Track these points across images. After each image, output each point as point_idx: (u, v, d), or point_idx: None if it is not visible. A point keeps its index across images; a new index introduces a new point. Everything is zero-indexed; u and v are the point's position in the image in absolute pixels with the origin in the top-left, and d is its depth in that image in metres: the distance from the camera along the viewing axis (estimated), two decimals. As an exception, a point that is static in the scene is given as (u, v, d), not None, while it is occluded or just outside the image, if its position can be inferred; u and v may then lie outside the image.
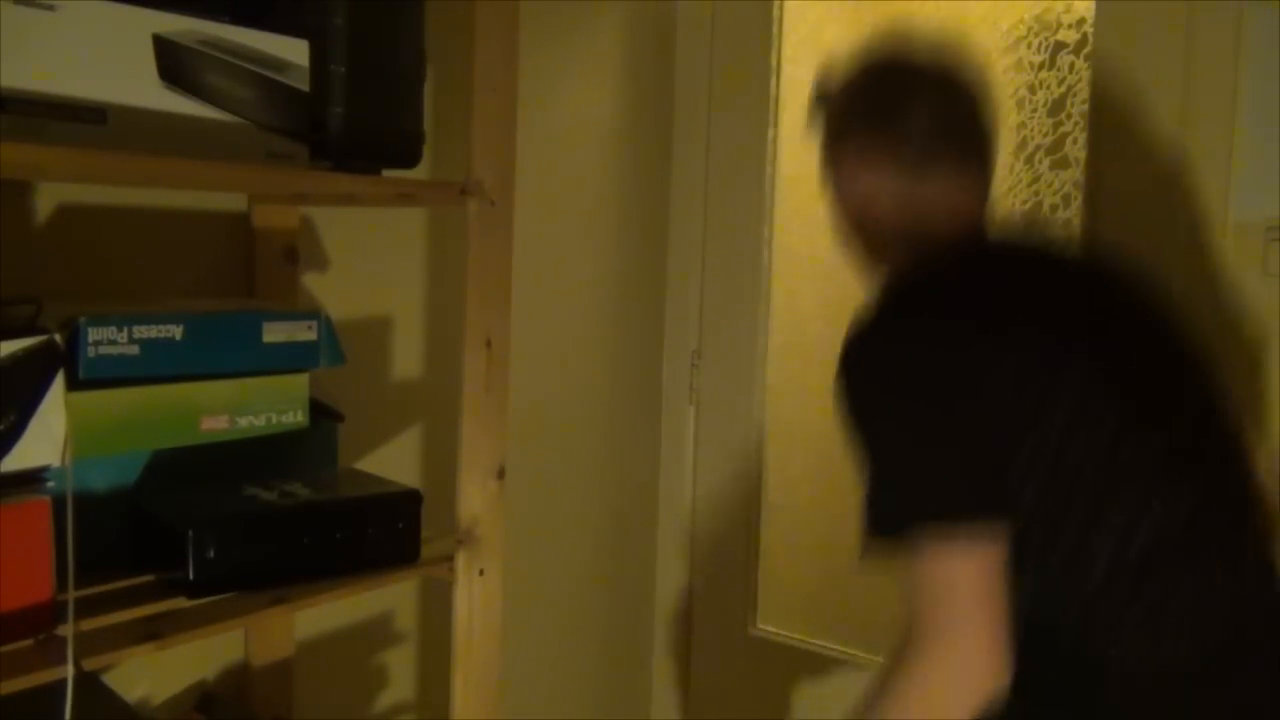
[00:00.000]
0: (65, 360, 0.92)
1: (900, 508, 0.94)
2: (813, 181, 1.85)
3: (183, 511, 1.00)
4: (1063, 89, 1.56)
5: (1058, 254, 1.10)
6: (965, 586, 0.91)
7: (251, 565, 1.01)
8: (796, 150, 1.86)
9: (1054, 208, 1.58)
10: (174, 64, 0.91)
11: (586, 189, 1.82)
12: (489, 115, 1.11)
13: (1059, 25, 1.56)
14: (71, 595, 0.88)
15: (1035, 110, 1.59)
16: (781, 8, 1.86)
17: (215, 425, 1.04)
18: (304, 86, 1.00)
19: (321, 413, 1.19)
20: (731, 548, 2.00)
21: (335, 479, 1.17)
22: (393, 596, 1.53)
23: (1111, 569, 0.92)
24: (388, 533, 1.10)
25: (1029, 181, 1.60)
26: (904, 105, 1.08)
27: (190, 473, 1.07)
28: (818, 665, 1.88)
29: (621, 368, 1.91)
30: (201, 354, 1.02)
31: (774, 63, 1.87)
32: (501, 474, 1.18)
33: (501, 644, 1.21)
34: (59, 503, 0.89)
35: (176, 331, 1.00)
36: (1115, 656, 0.92)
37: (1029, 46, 1.60)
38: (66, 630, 0.87)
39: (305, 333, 1.10)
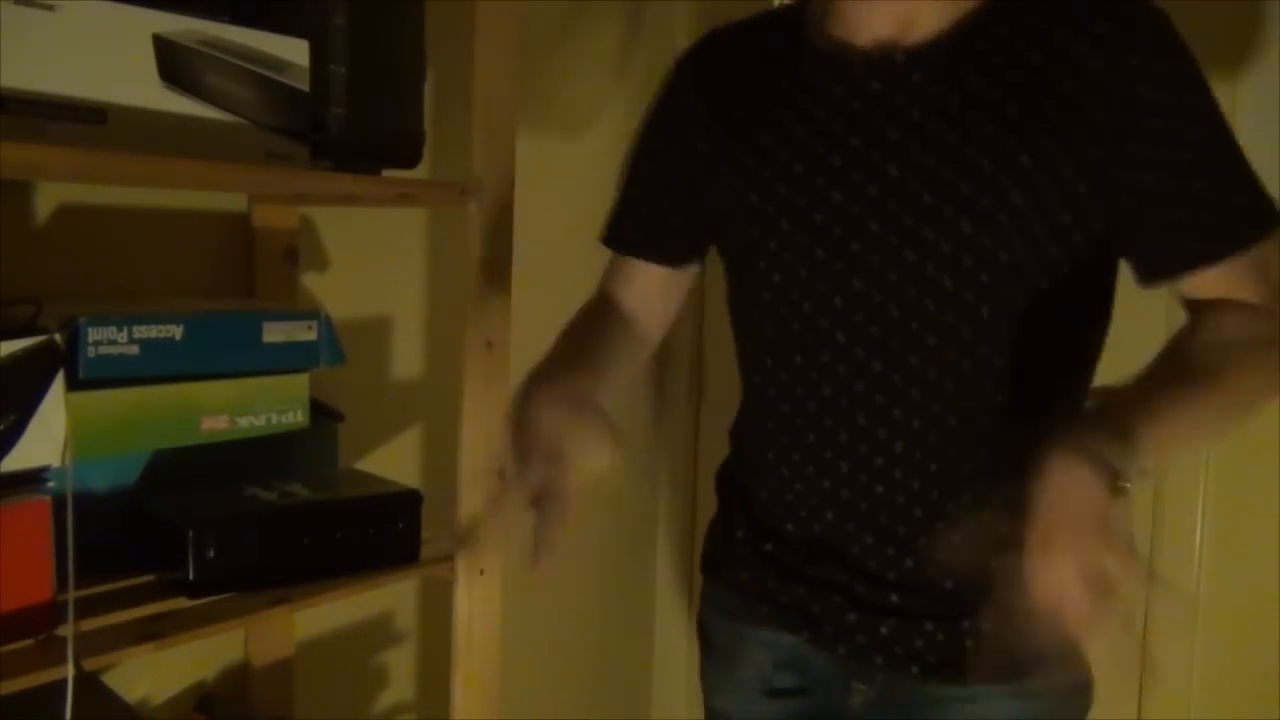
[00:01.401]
0: (65, 360, 0.92)
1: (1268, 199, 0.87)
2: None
3: (183, 511, 1.00)
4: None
5: None
6: None
7: (251, 565, 1.01)
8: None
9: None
10: (174, 64, 0.91)
11: (586, 189, 1.82)
12: (489, 115, 1.11)
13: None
14: (71, 595, 0.88)
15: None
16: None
17: (215, 425, 1.04)
18: (304, 86, 1.00)
19: (321, 413, 1.19)
20: (731, 548, 1.99)
21: (335, 479, 1.17)
22: (393, 596, 1.53)
23: None
24: (388, 533, 1.10)
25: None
26: None
27: (190, 473, 1.07)
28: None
29: (621, 368, 1.91)
30: (201, 354, 1.02)
31: (774, 63, 1.87)
32: (502, 474, 1.18)
33: (501, 644, 1.21)
34: (59, 503, 0.89)
35: (176, 331, 1.00)
36: None
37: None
38: (66, 630, 0.87)
39: (305, 333, 1.10)
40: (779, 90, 0.94)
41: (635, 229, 1.09)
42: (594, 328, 1.07)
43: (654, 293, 1.10)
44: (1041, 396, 0.91)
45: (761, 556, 1.01)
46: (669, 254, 1.08)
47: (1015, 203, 0.84)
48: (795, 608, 0.98)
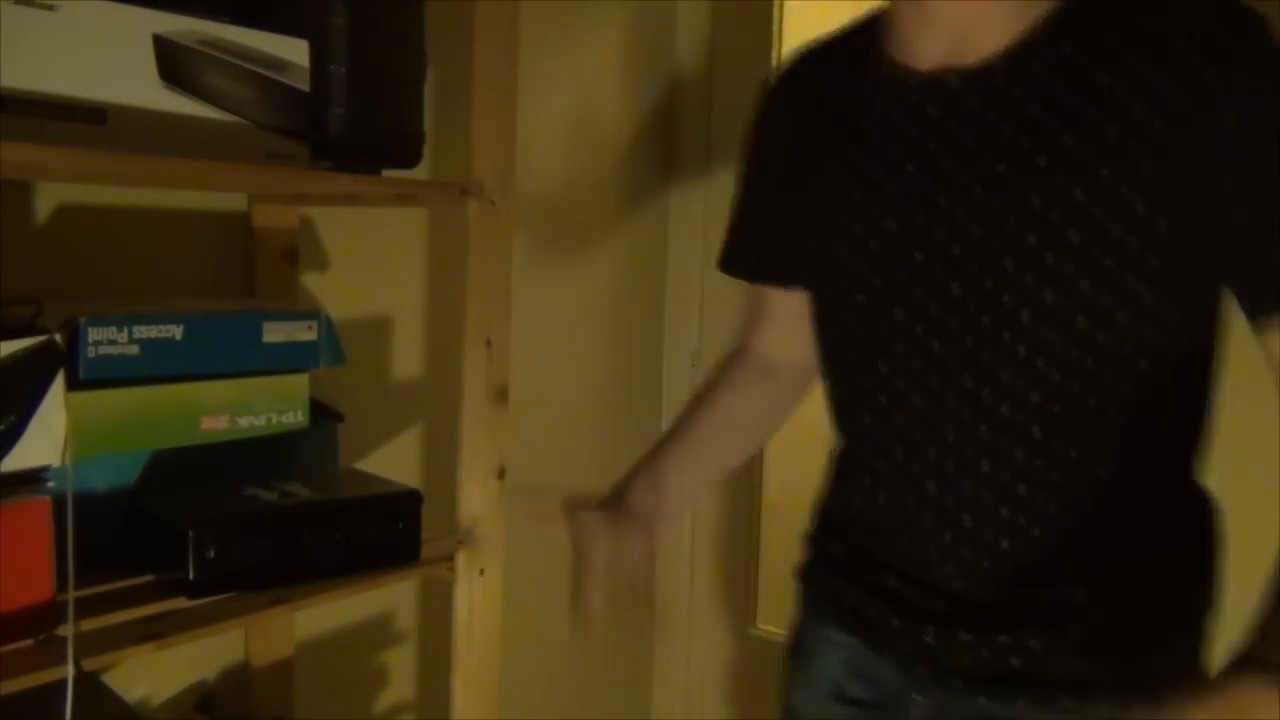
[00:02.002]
0: (65, 360, 0.92)
1: None
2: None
3: (183, 511, 1.00)
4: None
5: None
6: None
7: (251, 565, 1.01)
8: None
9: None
10: (174, 64, 0.91)
11: (586, 189, 1.82)
12: (489, 115, 1.11)
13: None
14: (71, 595, 0.88)
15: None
16: (781, 8, 1.86)
17: (215, 425, 1.04)
18: (304, 86, 1.00)
19: (321, 413, 1.19)
20: (731, 548, 2.00)
21: (335, 479, 1.17)
22: (393, 596, 1.53)
23: None
24: (388, 533, 1.10)
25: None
26: None
27: (190, 473, 1.07)
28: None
29: (621, 368, 1.91)
30: (201, 354, 1.02)
31: (774, 63, 1.87)
32: (502, 474, 1.18)
33: (501, 644, 1.21)
34: (59, 503, 0.89)
35: (176, 331, 1.00)
36: None
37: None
38: (66, 630, 0.87)
39: (305, 333, 1.10)
40: (845, 115, 0.92)
41: (748, 256, 1.08)
42: (712, 403, 1.11)
43: (792, 323, 1.07)
44: (1115, 432, 0.84)
45: (829, 558, 1.02)
46: (788, 280, 1.06)
47: (1070, 241, 0.78)
48: (853, 610, 0.98)
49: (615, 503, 1.03)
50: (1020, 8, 0.81)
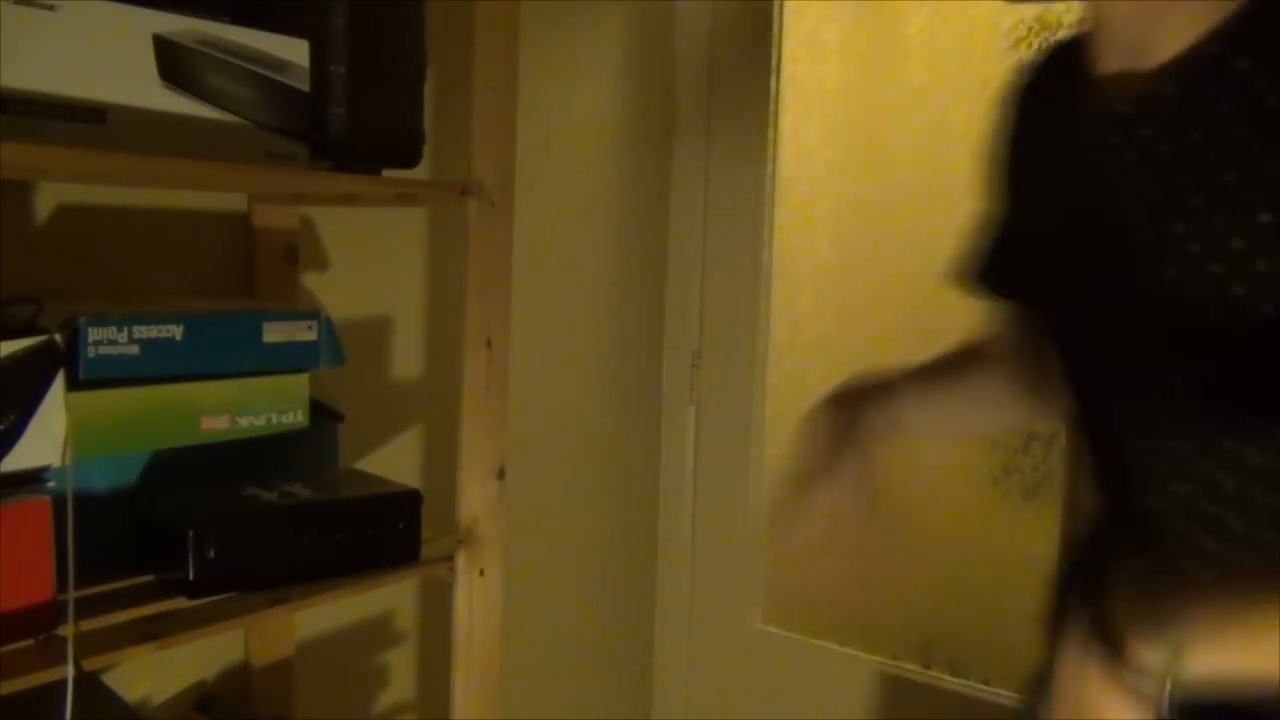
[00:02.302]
0: (65, 360, 0.92)
1: None
2: (812, 182, 1.86)
3: (183, 511, 1.00)
4: (1063, 89, 1.56)
5: None
6: None
7: (251, 565, 1.01)
8: (796, 150, 1.86)
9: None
10: (174, 64, 0.91)
11: (586, 189, 1.82)
12: (489, 115, 1.11)
13: (1059, 25, 1.56)
14: (71, 595, 0.88)
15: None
16: (781, 8, 1.86)
17: (215, 425, 1.04)
18: (304, 86, 1.00)
19: (321, 413, 1.19)
20: (733, 546, 2.00)
21: (335, 479, 1.17)
22: (393, 596, 1.53)
23: None
24: (388, 533, 1.10)
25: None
26: None
27: (190, 473, 1.07)
28: (818, 664, 1.88)
29: (621, 368, 1.91)
30: (201, 354, 1.02)
31: (774, 63, 1.87)
32: (501, 474, 1.18)
33: (501, 644, 1.21)
34: (59, 503, 0.89)
35: (176, 331, 1.00)
36: None
37: (1030, 47, 1.60)
38: (66, 630, 0.87)
39: (305, 333, 1.10)
40: (1054, 134, 0.85)
41: (988, 269, 0.99)
42: (959, 352, 1.04)
43: (1037, 336, 0.95)
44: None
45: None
46: (1017, 297, 0.98)
47: (1234, 294, 0.67)
48: None
49: (851, 414, 0.98)
50: (1198, 7, 0.71)
